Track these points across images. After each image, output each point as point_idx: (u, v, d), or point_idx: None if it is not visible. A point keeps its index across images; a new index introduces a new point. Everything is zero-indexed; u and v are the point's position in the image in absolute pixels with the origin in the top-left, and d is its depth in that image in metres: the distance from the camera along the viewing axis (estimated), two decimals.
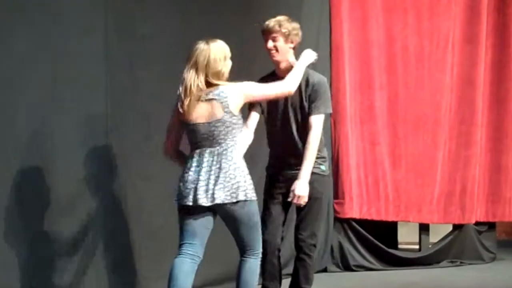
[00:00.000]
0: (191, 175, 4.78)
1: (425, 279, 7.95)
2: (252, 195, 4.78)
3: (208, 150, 4.77)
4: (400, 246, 9.33)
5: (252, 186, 4.79)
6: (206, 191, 4.71)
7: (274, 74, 5.26)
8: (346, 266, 8.20)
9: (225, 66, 4.81)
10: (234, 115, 4.76)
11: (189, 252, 4.84)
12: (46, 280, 5.42)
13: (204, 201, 4.72)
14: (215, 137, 4.75)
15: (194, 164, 4.79)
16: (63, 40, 5.55)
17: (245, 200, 4.74)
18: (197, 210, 4.77)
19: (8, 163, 5.28)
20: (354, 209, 8.17)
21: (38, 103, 5.43)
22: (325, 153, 5.39)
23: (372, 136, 8.33)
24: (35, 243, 5.36)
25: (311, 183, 5.18)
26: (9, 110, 5.29)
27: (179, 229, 4.87)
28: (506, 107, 9.18)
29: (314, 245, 5.32)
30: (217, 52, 4.80)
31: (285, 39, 5.18)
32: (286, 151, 5.29)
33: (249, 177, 4.80)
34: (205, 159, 4.76)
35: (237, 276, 4.89)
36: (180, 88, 4.79)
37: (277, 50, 5.19)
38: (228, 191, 4.70)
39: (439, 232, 9.17)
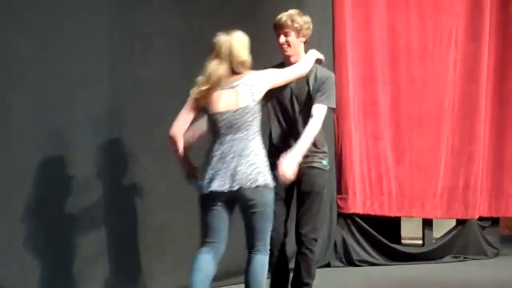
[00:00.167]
0: (213, 164, 4.82)
1: (428, 274, 7.97)
2: (270, 182, 4.83)
3: (230, 138, 4.81)
4: (403, 241, 9.34)
5: (270, 174, 4.84)
6: (228, 177, 4.76)
7: (283, 65, 5.26)
8: (349, 261, 8.22)
9: (248, 55, 4.86)
10: (258, 103, 4.83)
11: (210, 242, 4.89)
12: (49, 278, 5.43)
13: (226, 187, 4.76)
14: (240, 125, 4.79)
15: (217, 152, 4.83)
16: (66, 40, 5.56)
17: (264, 186, 4.78)
18: (219, 198, 4.81)
19: (11, 163, 5.28)
20: (357, 204, 8.19)
21: (41, 102, 5.43)
22: (326, 148, 5.40)
23: (375, 132, 8.35)
24: (37, 243, 5.37)
25: (312, 177, 5.22)
26: (12, 109, 5.29)
27: (200, 220, 4.90)
28: (509, 103, 9.21)
29: (315, 240, 5.32)
30: (240, 41, 4.85)
31: (297, 34, 5.19)
32: (290, 147, 5.29)
33: (268, 164, 4.85)
34: (227, 147, 4.80)
35: (246, 272, 4.89)
36: (201, 78, 4.82)
37: (289, 45, 5.19)
38: (249, 175, 4.75)
39: (442, 227, 9.19)
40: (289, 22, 5.15)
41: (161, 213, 6.16)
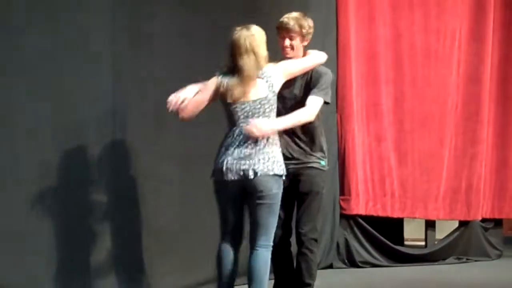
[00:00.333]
0: (229, 152, 4.90)
1: (431, 275, 7.96)
2: (283, 172, 4.91)
3: None
4: (406, 243, 9.36)
5: (284, 167, 4.93)
6: (242, 166, 4.84)
7: None
8: (352, 262, 8.21)
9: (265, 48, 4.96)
10: (275, 94, 4.93)
11: (227, 232, 5.00)
12: (50, 278, 5.42)
13: (240, 175, 4.84)
14: (260, 114, 4.89)
15: (234, 141, 4.91)
16: (69, 39, 5.54)
17: (278, 176, 4.87)
18: (232, 187, 4.89)
19: (13, 162, 5.26)
20: (360, 206, 8.18)
21: (43, 102, 5.42)
22: (325, 148, 5.39)
23: (378, 133, 8.35)
24: (38, 243, 5.35)
25: (311, 177, 5.24)
26: (13, 109, 5.28)
27: (218, 212, 5.01)
28: None
29: (316, 240, 5.32)
30: (261, 36, 4.94)
31: (301, 38, 5.22)
32: (289, 145, 5.29)
33: (282, 157, 4.95)
34: (244, 137, 4.89)
35: (249, 269, 4.92)
36: (229, 74, 4.93)
37: (292, 48, 5.21)
38: (263, 164, 4.84)
39: (445, 228, 9.19)
40: (296, 28, 5.18)
41: (163, 214, 6.15)
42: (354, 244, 8.25)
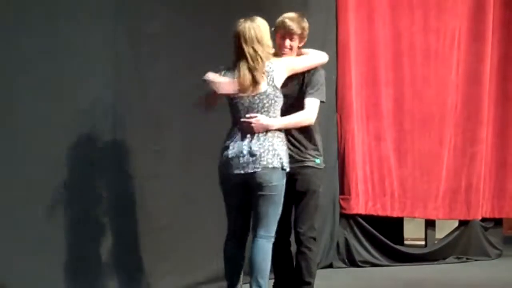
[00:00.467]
0: (232, 146, 4.99)
1: (431, 275, 7.96)
2: (286, 165, 4.98)
3: None
4: (406, 242, 9.35)
5: (287, 160, 5.01)
6: (244, 160, 4.92)
7: None
8: (352, 262, 8.20)
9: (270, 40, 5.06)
10: (277, 89, 4.99)
11: (233, 228, 5.09)
12: (50, 278, 5.42)
13: (242, 169, 4.93)
14: (259, 109, 4.97)
15: (236, 135, 5.01)
16: (70, 39, 5.55)
17: (278, 169, 4.93)
18: (235, 180, 4.97)
19: (13, 162, 5.26)
20: (360, 205, 8.18)
21: (45, 102, 5.41)
22: (320, 147, 5.40)
23: (378, 133, 8.35)
24: (37, 243, 5.35)
25: (307, 176, 5.26)
26: (15, 109, 5.28)
27: (224, 207, 5.11)
28: None
29: (314, 238, 5.34)
30: (265, 26, 5.05)
31: (300, 40, 5.28)
32: (288, 144, 5.30)
33: (286, 150, 5.04)
34: (243, 131, 4.98)
35: (249, 259, 5.00)
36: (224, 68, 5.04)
37: (291, 49, 5.26)
38: (264, 156, 4.91)
39: (445, 228, 9.18)
40: (299, 30, 5.23)
41: (163, 214, 6.15)
42: (354, 243, 8.24)
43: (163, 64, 6.15)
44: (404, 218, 9.00)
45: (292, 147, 5.26)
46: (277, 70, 5.01)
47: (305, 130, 5.29)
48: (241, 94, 4.99)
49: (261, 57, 4.94)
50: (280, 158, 4.97)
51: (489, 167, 9.12)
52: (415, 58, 8.58)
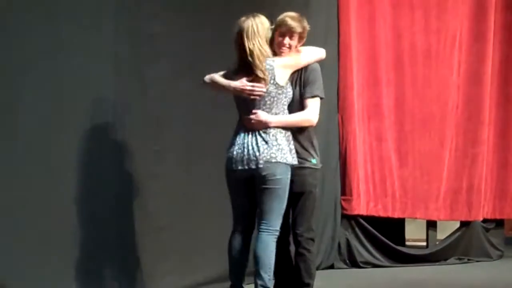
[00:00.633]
0: (236, 143, 5.06)
1: (432, 276, 7.96)
2: (290, 160, 5.01)
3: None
4: (407, 243, 9.35)
5: (293, 154, 5.04)
6: (248, 156, 4.97)
7: None
8: (353, 262, 8.20)
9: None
10: (281, 86, 5.03)
11: (238, 224, 5.14)
12: (50, 278, 5.41)
13: (246, 164, 4.97)
14: (261, 106, 5.02)
15: (241, 131, 5.07)
16: (71, 39, 5.54)
17: (281, 164, 4.96)
18: (240, 176, 5.03)
19: (13, 163, 5.25)
20: (361, 206, 8.18)
21: (45, 102, 5.41)
22: (317, 147, 5.38)
23: (379, 133, 8.35)
24: (38, 243, 5.35)
25: (303, 177, 5.23)
26: (15, 109, 5.28)
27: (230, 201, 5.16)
28: None
29: (312, 239, 5.33)
30: (267, 23, 5.11)
31: (299, 39, 5.26)
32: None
33: (291, 145, 5.07)
34: (247, 127, 5.04)
35: (253, 253, 5.05)
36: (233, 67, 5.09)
37: (290, 48, 5.24)
38: (268, 151, 4.96)
39: (446, 229, 9.18)
40: (300, 30, 5.22)
41: (163, 214, 6.14)
42: (355, 244, 8.24)
43: (163, 64, 6.14)
44: (406, 219, 9.00)
45: (299, 148, 5.25)
46: (278, 67, 5.03)
47: (302, 130, 5.28)
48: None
49: (262, 53, 4.98)
50: (284, 153, 4.99)
51: (491, 168, 9.11)
52: (416, 58, 8.58)
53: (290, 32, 5.21)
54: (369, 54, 8.31)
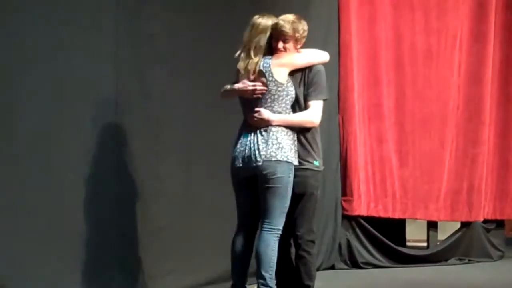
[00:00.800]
0: (239, 141, 5.12)
1: (433, 276, 7.95)
2: (292, 159, 5.04)
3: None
4: (408, 244, 9.33)
5: (294, 153, 5.07)
6: (250, 153, 5.02)
7: None
8: (354, 263, 8.20)
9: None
10: (280, 83, 5.07)
11: (241, 224, 5.19)
12: (51, 278, 5.41)
13: (247, 163, 5.03)
14: (262, 104, 5.07)
15: (244, 130, 5.13)
16: (71, 40, 5.55)
17: (282, 162, 4.99)
18: (243, 175, 5.08)
19: (14, 162, 5.26)
20: (361, 207, 8.17)
21: (45, 103, 5.41)
22: (319, 149, 5.38)
23: (380, 134, 8.34)
24: (38, 243, 5.35)
25: (305, 178, 5.23)
26: (16, 110, 5.28)
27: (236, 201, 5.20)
28: None
29: (313, 241, 5.33)
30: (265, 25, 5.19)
31: (295, 42, 5.25)
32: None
33: (293, 144, 5.09)
34: (252, 126, 5.08)
35: (255, 251, 5.08)
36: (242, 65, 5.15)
37: (285, 51, 5.23)
38: (268, 149, 5.00)
39: (447, 229, 9.17)
40: (291, 32, 5.20)
41: (164, 215, 6.14)
42: (356, 245, 8.23)
43: (163, 64, 6.15)
44: (406, 220, 8.99)
45: (301, 149, 5.25)
46: (274, 65, 5.07)
47: (306, 131, 5.27)
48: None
49: (261, 48, 5.07)
50: (285, 152, 5.01)
51: (491, 169, 9.10)
52: (417, 59, 8.57)
53: (282, 36, 5.20)
54: (369, 54, 8.30)
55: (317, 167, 5.31)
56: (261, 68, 5.07)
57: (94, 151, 5.73)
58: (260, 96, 5.07)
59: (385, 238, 8.38)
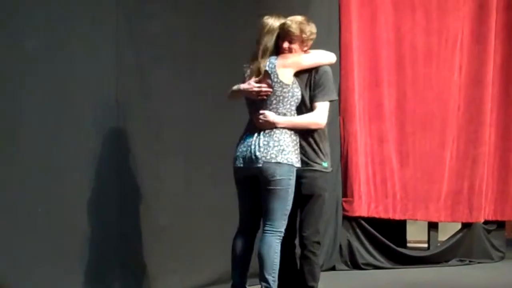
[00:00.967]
0: (242, 141, 5.13)
1: (434, 277, 7.95)
2: (293, 161, 5.03)
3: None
4: (409, 245, 9.34)
5: (296, 156, 5.07)
6: (252, 154, 5.02)
7: None
8: (354, 264, 8.19)
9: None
10: (286, 84, 5.07)
11: (242, 224, 5.20)
12: (51, 278, 5.41)
13: (249, 163, 5.03)
14: (267, 106, 5.06)
15: (248, 130, 5.14)
16: (72, 39, 5.54)
17: (283, 164, 4.98)
18: (244, 175, 5.08)
19: (15, 162, 5.24)
20: (362, 208, 8.17)
21: (46, 103, 5.41)
22: (328, 150, 5.39)
23: (380, 134, 8.34)
24: (39, 243, 5.34)
25: (313, 180, 5.23)
26: (17, 110, 5.27)
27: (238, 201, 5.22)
28: None
29: (318, 243, 5.33)
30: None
31: (301, 43, 5.24)
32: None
33: (296, 146, 5.09)
34: (255, 126, 5.10)
35: (257, 253, 5.07)
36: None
37: (290, 51, 5.23)
38: (268, 151, 4.99)
39: (448, 230, 9.18)
40: (297, 32, 5.20)
41: (166, 215, 6.14)
42: (356, 246, 8.23)
43: (163, 64, 6.14)
44: (407, 221, 8.98)
45: (300, 149, 5.24)
46: (279, 66, 5.07)
47: (314, 133, 5.27)
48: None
49: (268, 49, 5.09)
50: (285, 154, 5.00)
51: (492, 170, 9.09)
52: (418, 59, 8.57)
53: (288, 36, 5.20)
54: (370, 55, 8.31)
55: (325, 168, 5.31)
56: (267, 68, 5.06)
57: (94, 151, 5.73)
58: (265, 97, 5.06)
59: (386, 239, 8.38)
